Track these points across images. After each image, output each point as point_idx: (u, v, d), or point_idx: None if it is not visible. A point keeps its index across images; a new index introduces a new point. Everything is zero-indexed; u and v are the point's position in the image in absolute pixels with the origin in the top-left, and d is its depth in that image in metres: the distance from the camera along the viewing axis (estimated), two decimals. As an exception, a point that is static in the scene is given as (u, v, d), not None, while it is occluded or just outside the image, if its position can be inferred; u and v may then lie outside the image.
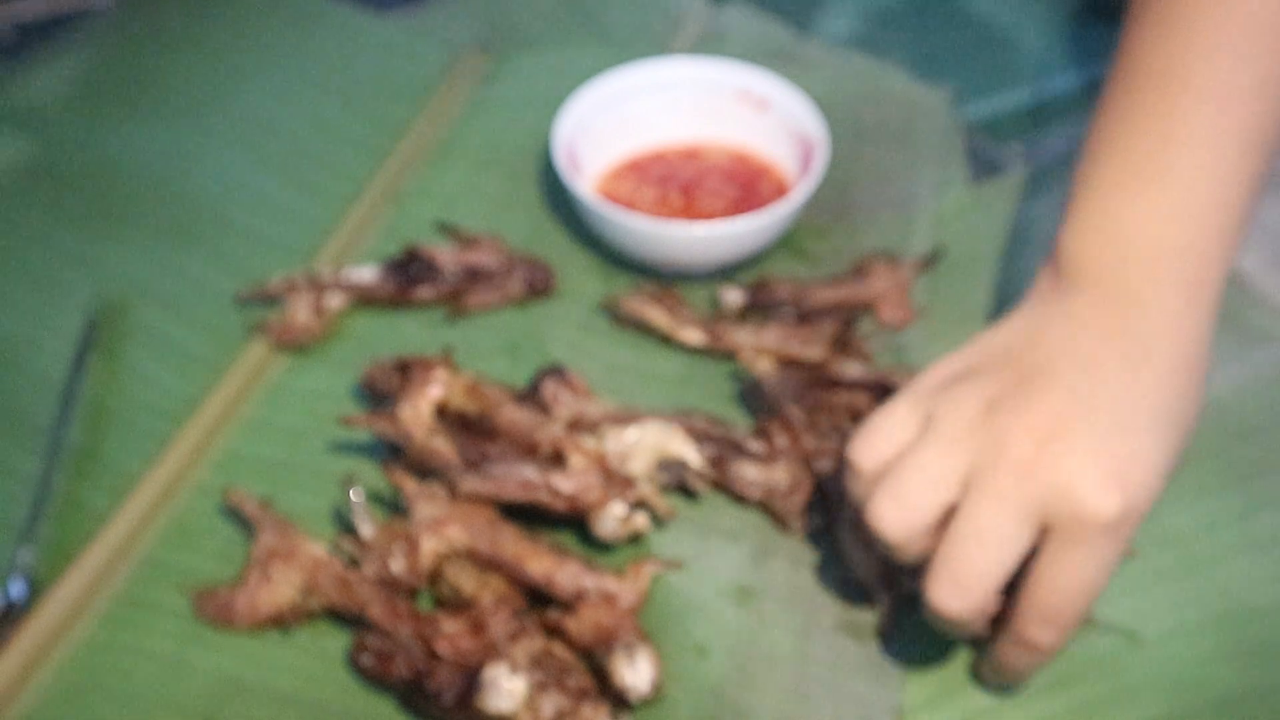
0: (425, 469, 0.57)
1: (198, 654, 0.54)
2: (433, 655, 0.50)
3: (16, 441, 0.61)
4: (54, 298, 0.67)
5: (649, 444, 0.56)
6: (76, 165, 0.74)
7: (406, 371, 0.60)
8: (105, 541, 0.57)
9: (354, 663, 0.52)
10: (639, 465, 0.56)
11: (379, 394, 0.61)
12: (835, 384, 0.62)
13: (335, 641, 0.55)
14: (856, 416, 0.61)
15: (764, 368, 0.64)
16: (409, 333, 0.68)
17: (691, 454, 0.56)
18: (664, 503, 0.56)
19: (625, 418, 0.58)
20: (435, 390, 0.57)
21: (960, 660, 0.54)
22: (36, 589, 0.55)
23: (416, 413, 0.57)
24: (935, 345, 0.68)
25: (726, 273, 0.72)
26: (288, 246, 0.73)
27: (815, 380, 0.63)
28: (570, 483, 0.55)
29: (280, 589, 0.54)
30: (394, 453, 0.59)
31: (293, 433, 0.63)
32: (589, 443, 0.56)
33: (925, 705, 0.52)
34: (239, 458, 0.61)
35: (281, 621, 0.54)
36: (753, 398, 0.64)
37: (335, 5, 0.88)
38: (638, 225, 0.67)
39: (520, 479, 0.55)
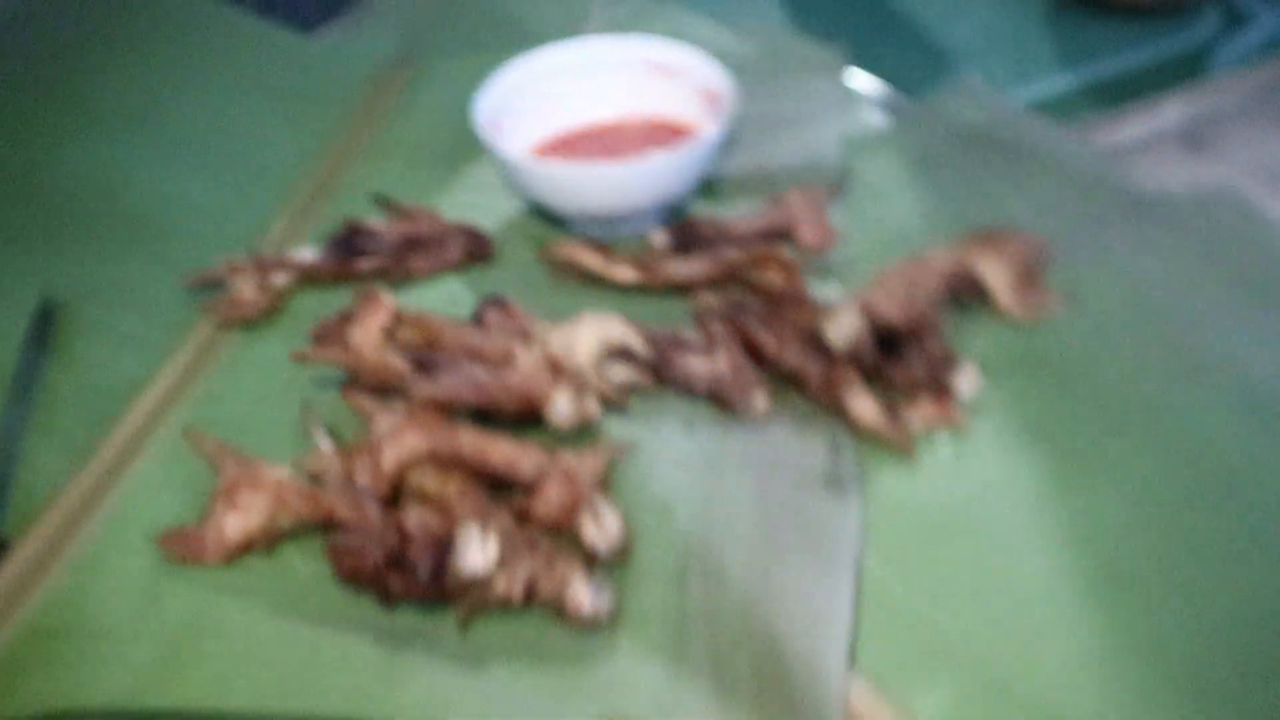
0: (381, 389, 0.59)
1: (170, 589, 0.54)
2: (405, 537, 0.52)
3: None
4: (3, 303, 0.68)
5: (590, 334, 0.59)
6: (8, 177, 0.76)
7: (346, 320, 0.62)
8: (68, 501, 0.58)
9: (332, 565, 0.53)
10: (583, 356, 0.59)
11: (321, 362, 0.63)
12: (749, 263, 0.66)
13: (307, 565, 0.56)
14: (779, 301, 0.65)
15: (707, 299, 0.67)
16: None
17: (632, 338, 0.59)
18: (612, 388, 0.59)
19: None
20: (382, 313, 0.60)
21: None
22: (2, 548, 0.56)
23: (366, 334, 0.59)
24: (858, 265, 0.73)
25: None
26: (228, 245, 0.75)
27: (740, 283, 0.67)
28: (519, 376, 0.57)
29: (248, 514, 0.55)
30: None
31: (248, 398, 0.65)
32: (534, 345, 0.59)
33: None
34: (196, 422, 0.63)
35: (252, 546, 0.55)
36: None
37: (261, 24, 0.93)
38: (564, 172, 0.72)
39: (472, 380, 0.58)
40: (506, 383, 0.57)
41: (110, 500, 0.59)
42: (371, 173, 0.83)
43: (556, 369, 0.58)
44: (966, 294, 0.66)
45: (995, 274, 0.66)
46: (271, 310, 0.70)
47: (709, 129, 0.75)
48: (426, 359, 0.58)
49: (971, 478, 0.57)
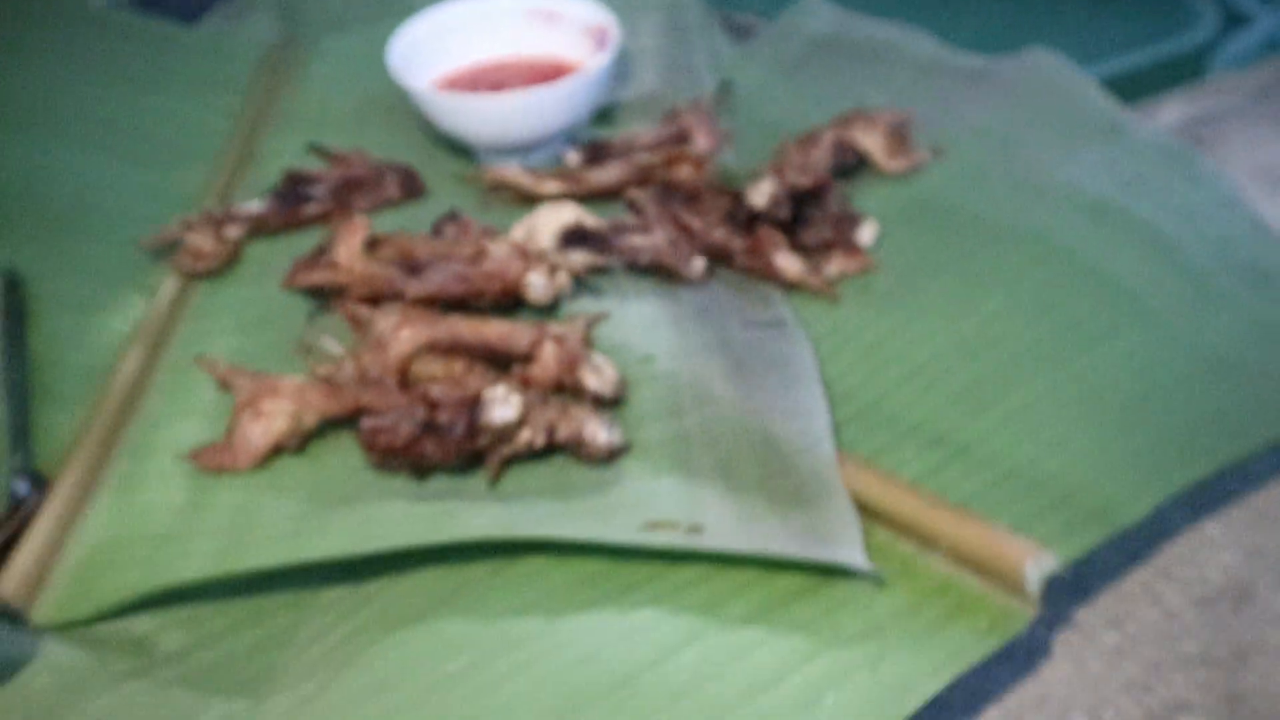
0: (371, 298, 0.65)
1: (211, 498, 0.59)
2: (433, 405, 0.58)
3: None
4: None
5: (549, 220, 0.67)
6: None
7: (323, 252, 0.68)
8: (90, 441, 0.61)
9: (367, 447, 0.59)
10: (545, 239, 0.67)
11: (309, 289, 0.68)
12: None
13: (337, 458, 0.61)
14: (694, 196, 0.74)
15: (634, 192, 0.76)
16: (305, 247, 0.76)
17: (584, 215, 0.67)
18: (575, 262, 0.66)
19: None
20: (361, 231, 0.66)
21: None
22: (40, 486, 0.59)
23: (350, 251, 0.65)
24: (748, 157, 0.83)
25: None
26: (164, 218, 0.79)
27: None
28: (495, 264, 0.64)
29: (273, 419, 0.60)
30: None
31: (228, 335, 0.69)
32: (500, 239, 0.66)
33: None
34: (193, 355, 0.67)
35: (281, 448, 0.60)
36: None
37: (144, 19, 0.96)
38: (481, 103, 0.79)
39: (455, 273, 0.65)
40: (485, 270, 0.64)
41: (129, 435, 0.63)
42: (283, 142, 0.87)
43: (524, 255, 0.66)
44: (850, 160, 0.77)
45: (871, 141, 0.77)
46: (231, 260, 0.74)
47: (597, 60, 0.84)
48: (412, 263, 0.65)
49: (890, 307, 0.68)
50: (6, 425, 0.62)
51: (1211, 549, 0.60)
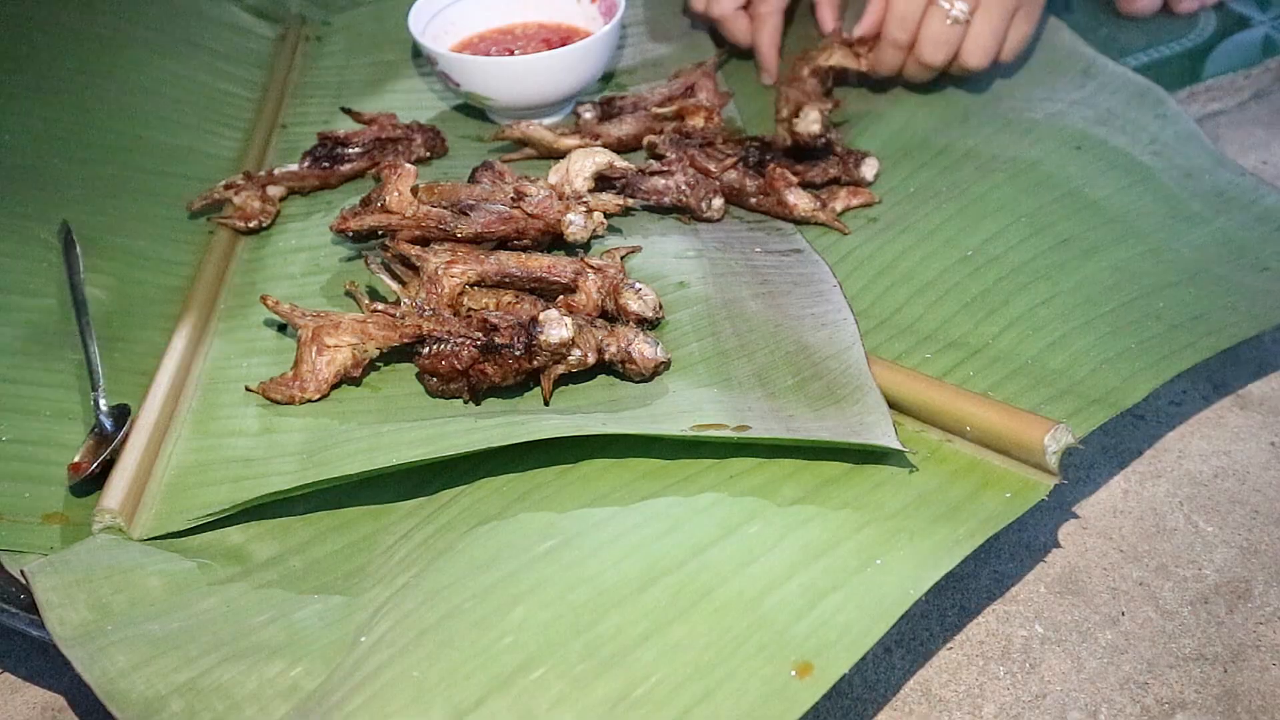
0: (419, 240, 0.68)
1: (284, 421, 0.62)
2: (492, 328, 0.61)
3: (50, 337, 0.66)
4: (26, 244, 0.72)
5: (581, 164, 0.70)
6: None
7: (370, 201, 0.71)
8: (163, 378, 0.63)
9: (424, 371, 0.61)
10: (580, 182, 0.70)
11: (356, 236, 0.71)
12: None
13: (395, 387, 0.64)
14: (708, 142, 0.78)
15: (654, 139, 0.80)
16: (339, 202, 0.79)
17: (615, 159, 0.71)
18: (610, 203, 0.70)
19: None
20: (408, 177, 0.69)
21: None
22: (122, 420, 0.61)
23: (401, 195, 0.68)
24: (748, 113, 0.87)
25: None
26: (206, 179, 0.81)
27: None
28: (536, 205, 0.68)
29: (337, 352, 0.63)
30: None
31: (279, 283, 0.72)
32: (539, 181, 0.70)
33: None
34: (249, 301, 0.70)
35: (345, 379, 0.63)
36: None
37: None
38: (501, 65, 0.82)
39: (500, 214, 0.68)
40: (527, 210, 0.68)
41: (198, 371, 0.65)
42: (307, 110, 0.90)
43: (561, 197, 0.69)
44: (830, 81, 0.83)
45: (836, 56, 0.83)
46: (275, 216, 0.77)
47: (608, 24, 0.87)
48: (460, 204, 0.68)
49: (896, 235, 0.72)
50: (85, 366, 0.64)
51: (1207, 547, 0.59)
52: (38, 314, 0.67)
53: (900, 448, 0.54)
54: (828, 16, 0.87)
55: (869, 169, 0.76)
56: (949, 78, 0.83)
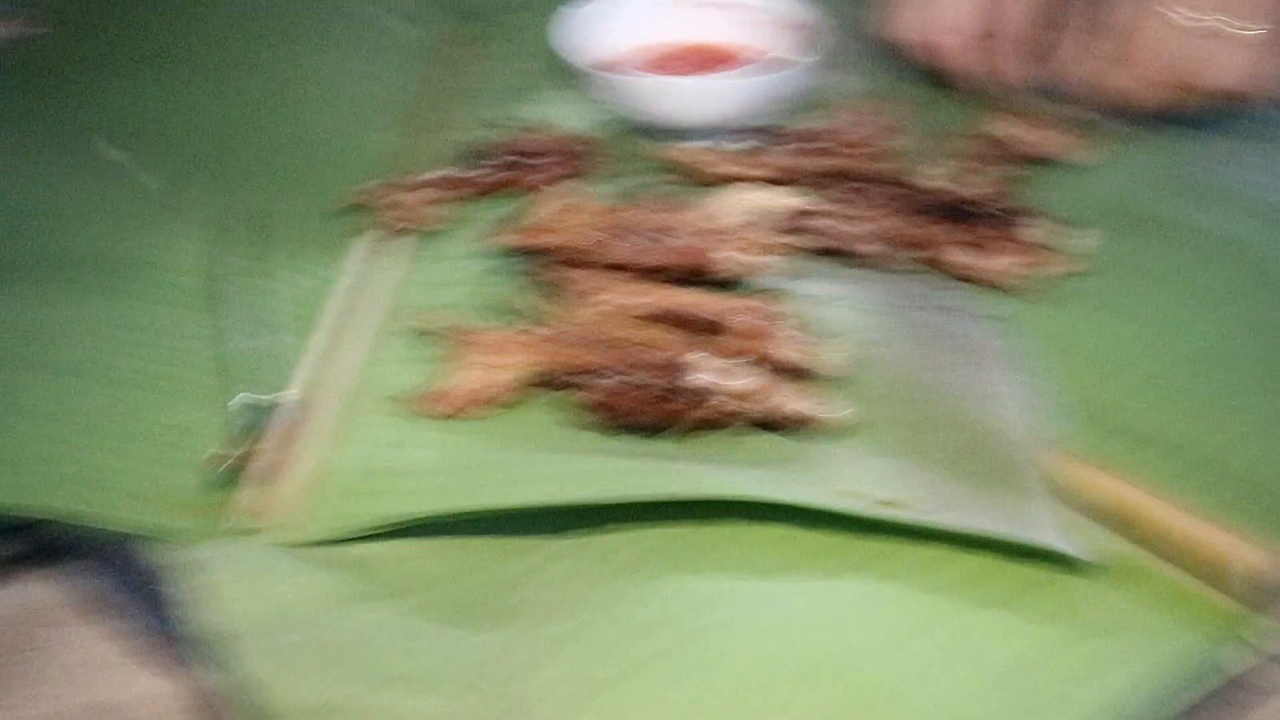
0: (571, 262, 0.66)
1: (429, 439, 0.59)
2: (643, 366, 0.59)
3: (201, 319, 0.67)
4: (187, 225, 0.73)
5: (736, 200, 0.68)
6: (149, 127, 0.81)
7: (520, 217, 0.69)
8: (302, 377, 0.63)
9: (604, 404, 0.58)
10: (733, 218, 0.68)
11: (507, 249, 0.69)
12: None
13: (548, 414, 0.61)
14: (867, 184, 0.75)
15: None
16: (491, 209, 0.77)
17: (774, 196, 0.68)
18: (762, 242, 0.67)
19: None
20: (566, 196, 0.67)
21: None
22: (262, 416, 0.61)
23: (554, 214, 0.67)
24: (918, 155, 0.83)
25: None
26: (357, 176, 0.81)
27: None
28: (685, 238, 0.65)
29: (496, 372, 0.60)
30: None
31: (423, 287, 0.71)
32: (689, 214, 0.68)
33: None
34: (393, 307, 0.69)
35: (499, 399, 0.61)
36: None
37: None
38: (657, 85, 0.80)
39: (649, 244, 0.66)
40: (678, 245, 0.65)
41: (337, 375, 0.64)
42: (465, 112, 0.90)
43: (715, 231, 0.67)
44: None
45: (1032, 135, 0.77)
46: (423, 222, 0.76)
47: (801, 56, 0.83)
48: (611, 230, 0.66)
49: (1074, 305, 0.67)
50: (230, 354, 0.64)
51: None
52: (192, 295, 0.68)
53: (1066, 548, 0.50)
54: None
55: (1040, 233, 0.72)
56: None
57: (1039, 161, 0.79)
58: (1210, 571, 0.50)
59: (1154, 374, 0.62)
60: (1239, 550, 0.50)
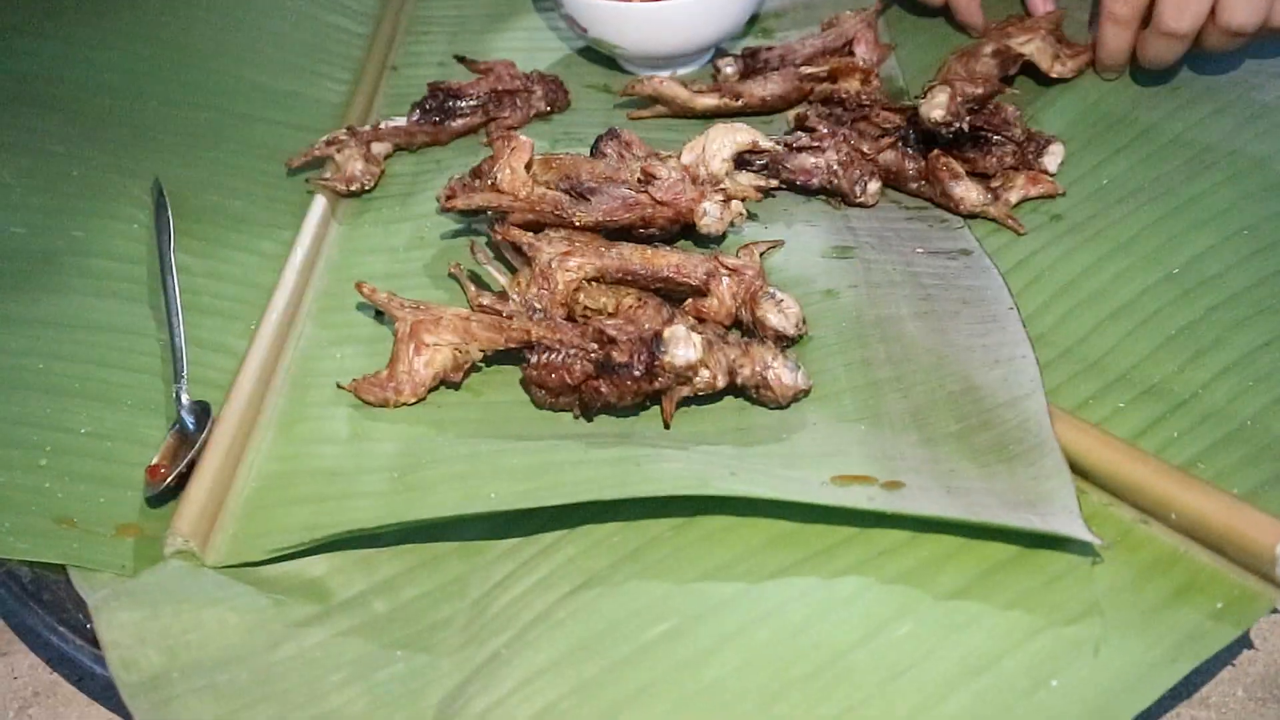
0: (533, 224, 0.60)
1: (373, 430, 0.55)
2: (609, 342, 0.53)
3: (135, 310, 0.61)
4: (114, 201, 0.66)
5: (720, 143, 0.61)
6: (66, 85, 0.73)
7: (481, 174, 0.62)
8: (250, 367, 0.58)
9: (530, 383, 0.54)
10: (717, 164, 0.60)
11: (464, 212, 0.63)
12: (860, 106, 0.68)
13: (498, 394, 0.57)
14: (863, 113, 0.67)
15: (802, 109, 0.69)
16: (450, 162, 0.71)
17: (759, 137, 0.61)
18: (749, 188, 0.60)
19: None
20: (524, 152, 0.60)
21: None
22: (203, 419, 0.55)
23: (514, 173, 0.60)
24: (911, 71, 0.75)
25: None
26: (308, 127, 0.74)
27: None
28: (666, 191, 0.59)
29: (436, 352, 0.56)
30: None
31: (379, 256, 0.65)
32: (670, 161, 0.61)
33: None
34: (346, 278, 0.63)
35: (443, 381, 0.56)
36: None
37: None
38: (637, 11, 0.72)
39: (624, 199, 0.59)
40: (656, 197, 0.59)
41: (288, 360, 0.59)
42: (422, 48, 0.82)
43: (695, 180, 0.60)
44: (1012, 71, 0.69)
45: (1032, 46, 0.69)
46: (379, 178, 0.70)
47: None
48: (579, 187, 0.59)
49: (1085, 240, 0.60)
50: (168, 349, 0.59)
51: None
52: (124, 283, 0.62)
53: (1088, 537, 0.44)
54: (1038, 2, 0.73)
55: (1052, 159, 0.64)
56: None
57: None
58: (1209, 537, 0.45)
59: (1126, 302, 0.56)
60: (1242, 518, 0.44)
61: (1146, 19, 0.65)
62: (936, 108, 0.63)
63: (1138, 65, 0.68)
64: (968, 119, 0.63)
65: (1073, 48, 0.71)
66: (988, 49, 0.70)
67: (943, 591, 0.44)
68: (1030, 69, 0.70)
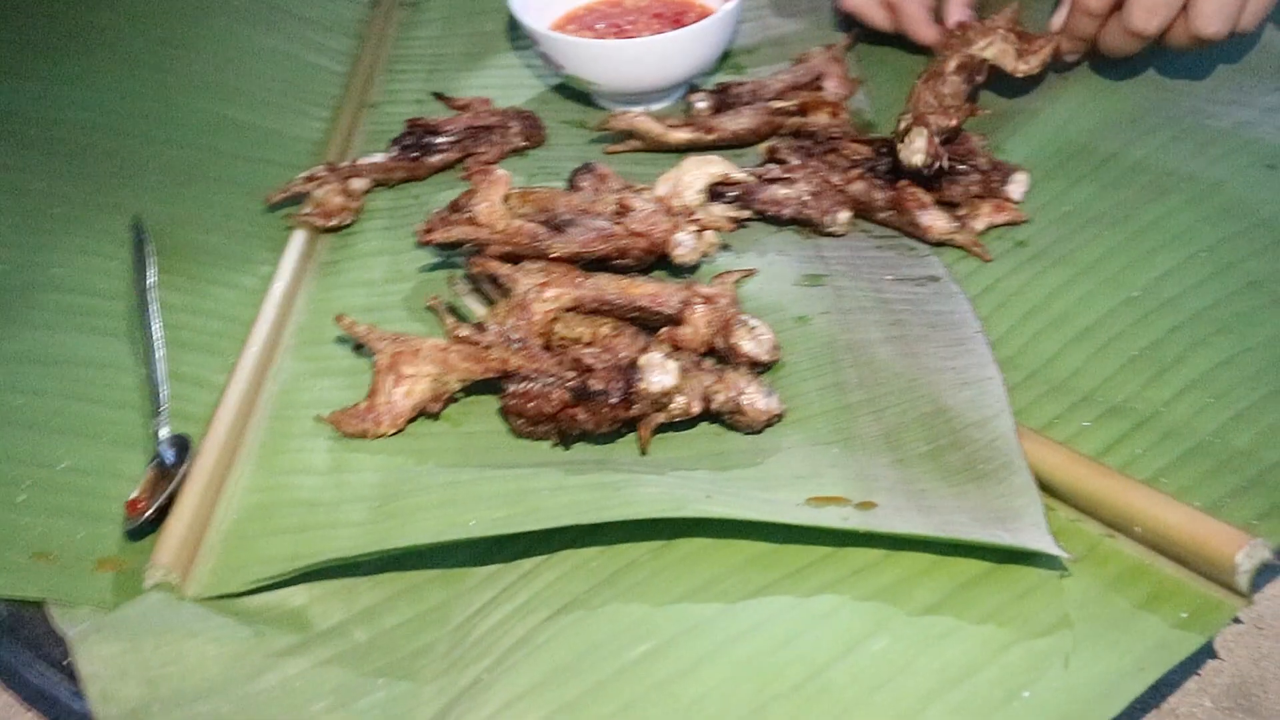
0: (510, 256, 0.61)
1: (354, 460, 0.55)
2: (586, 371, 0.54)
3: (115, 346, 0.61)
4: (95, 238, 0.67)
5: (694, 175, 0.62)
6: (46, 123, 0.73)
7: (458, 208, 0.63)
8: (231, 399, 0.58)
9: (509, 412, 0.55)
10: (691, 195, 0.62)
11: (443, 245, 0.63)
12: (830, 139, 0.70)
13: (477, 424, 0.57)
14: (833, 146, 0.69)
15: (773, 142, 0.71)
16: (428, 197, 0.72)
17: (732, 169, 0.62)
18: (722, 219, 0.62)
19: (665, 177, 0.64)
20: (501, 185, 0.61)
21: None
22: (183, 453, 0.56)
23: (491, 206, 0.61)
24: (881, 104, 0.77)
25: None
26: (288, 164, 0.75)
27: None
28: (641, 222, 0.60)
29: (416, 382, 0.57)
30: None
31: (357, 290, 0.66)
32: (644, 194, 0.62)
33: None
34: (326, 312, 0.64)
35: (425, 412, 0.57)
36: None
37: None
38: (610, 48, 0.73)
39: (600, 230, 0.60)
40: (631, 229, 0.60)
41: (267, 394, 0.60)
42: (400, 86, 0.84)
43: (670, 211, 0.61)
44: (980, 79, 0.70)
45: (994, 49, 0.70)
46: (357, 213, 0.71)
47: (725, 4, 0.78)
48: (555, 219, 0.60)
49: (1048, 265, 0.62)
50: (147, 384, 0.59)
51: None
52: (104, 319, 0.62)
53: (1056, 551, 0.45)
54: (955, 9, 0.75)
55: (1016, 187, 0.66)
56: (1153, 54, 0.70)
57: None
58: (1173, 548, 0.47)
59: (1089, 325, 0.57)
60: (1203, 528, 0.46)
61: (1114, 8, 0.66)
62: (916, 153, 0.64)
63: (1096, 63, 0.69)
64: (946, 155, 0.64)
65: (1033, 42, 0.71)
66: (952, 64, 0.70)
67: (917, 607, 0.45)
68: (995, 74, 0.71)
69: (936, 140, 0.64)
